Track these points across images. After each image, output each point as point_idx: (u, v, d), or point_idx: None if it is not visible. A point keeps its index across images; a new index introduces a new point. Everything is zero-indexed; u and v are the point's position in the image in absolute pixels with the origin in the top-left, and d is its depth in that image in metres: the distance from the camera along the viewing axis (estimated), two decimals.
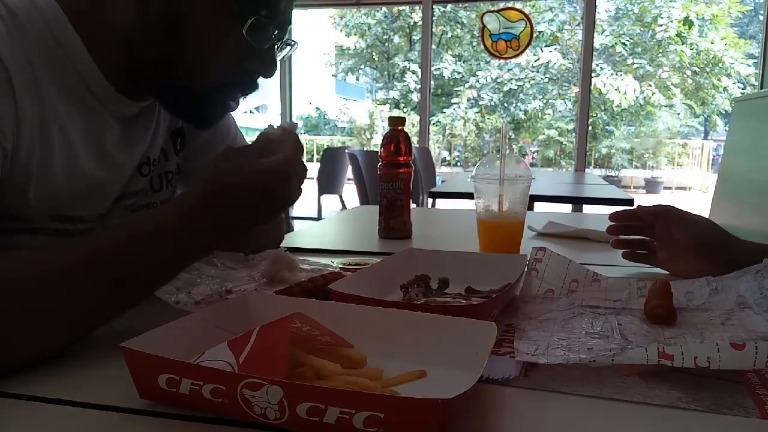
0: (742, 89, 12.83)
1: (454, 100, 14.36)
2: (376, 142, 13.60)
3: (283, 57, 0.74)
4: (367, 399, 0.37)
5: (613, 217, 0.92)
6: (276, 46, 0.71)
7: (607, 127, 14.01)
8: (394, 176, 1.13)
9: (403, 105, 15.28)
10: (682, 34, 13.07)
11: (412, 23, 15.02)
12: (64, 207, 0.67)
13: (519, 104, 14.56)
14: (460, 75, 14.53)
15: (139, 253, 0.55)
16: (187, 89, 0.69)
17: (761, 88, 4.23)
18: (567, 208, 3.22)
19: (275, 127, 0.67)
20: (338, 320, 0.50)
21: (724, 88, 13.25)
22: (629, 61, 13.39)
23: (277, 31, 0.69)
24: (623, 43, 13.30)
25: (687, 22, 12.93)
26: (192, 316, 0.52)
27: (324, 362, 0.45)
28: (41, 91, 0.62)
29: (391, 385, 0.46)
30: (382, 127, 13.58)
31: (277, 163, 0.62)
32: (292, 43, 0.73)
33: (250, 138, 0.83)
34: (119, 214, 0.74)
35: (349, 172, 4.38)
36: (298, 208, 5.93)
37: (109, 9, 0.65)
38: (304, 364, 0.44)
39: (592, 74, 4.62)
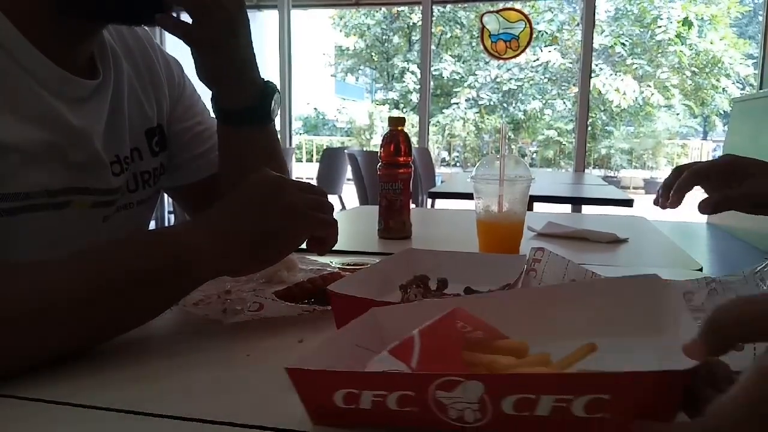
0: (741, 90, 12.84)
1: (454, 100, 14.36)
2: (375, 142, 13.60)
3: None
4: (588, 380, 0.33)
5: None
6: None
7: (606, 128, 14.03)
8: (393, 176, 1.13)
9: (402, 105, 15.28)
10: (682, 35, 13.08)
11: (411, 23, 15.03)
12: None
13: (518, 104, 14.56)
14: (460, 75, 14.54)
15: (128, 266, 0.53)
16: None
17: (760, 89, 4.22)
18: (566, 208, 3.22)
19: None
20: (477, 313, 0.45)
21: (723, 89, 13.28)
22: (628, 62, 13.41)
23: None
24: (622, 44, 13.32)
25: (686, 22, 12.95)
26: (329, 338, 0.46)
27: (495, 357, 0.41)
28: None
29: (567, 365, 0.40)
30: (382, 128, 13.58)
31: (267, 172, 0.62)
32: None
33: None
34: (94, 212, 0.71)
35: (349, 173, 4.38)
36: None
37: None
38: (473, 362, 0.41)
39: (592, 74, 4.62)
